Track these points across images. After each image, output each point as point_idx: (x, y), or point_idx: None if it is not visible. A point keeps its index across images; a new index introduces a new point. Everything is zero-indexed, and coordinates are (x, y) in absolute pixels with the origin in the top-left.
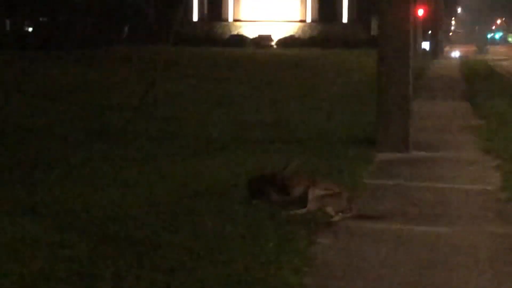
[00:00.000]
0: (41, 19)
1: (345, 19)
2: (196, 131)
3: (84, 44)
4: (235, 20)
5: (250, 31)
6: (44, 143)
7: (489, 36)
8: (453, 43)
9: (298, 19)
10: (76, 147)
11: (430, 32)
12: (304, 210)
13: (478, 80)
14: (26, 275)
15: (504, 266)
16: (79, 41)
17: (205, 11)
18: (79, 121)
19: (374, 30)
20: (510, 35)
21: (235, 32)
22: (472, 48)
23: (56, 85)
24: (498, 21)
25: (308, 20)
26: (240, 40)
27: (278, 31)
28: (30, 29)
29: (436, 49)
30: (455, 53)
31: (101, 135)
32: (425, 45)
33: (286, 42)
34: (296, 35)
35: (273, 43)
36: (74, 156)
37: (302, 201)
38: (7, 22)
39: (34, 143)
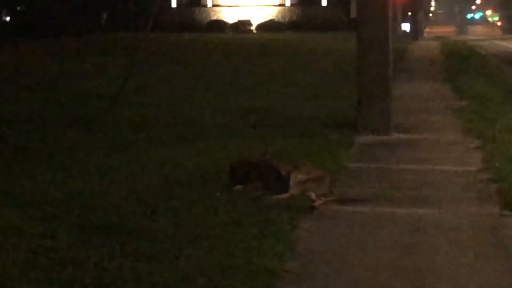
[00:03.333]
0: (18, 7)
1: (324, 2)
2: (177, 117)
3: (63, 32)
4: (214, 5)
5: (229, 16)
6: (23, 132)
7: (469, 16)
8: (433, 24)
9: (278, 3)
10: (56, 136)
11: (409, 13)
12: (286, 195)
13: (458, 61)
14: (8, 266)
15: (486, 247)
16: (57, 29)
17: None
18: (59, 110)
19: (353, 12)
20: (490, 15)
21: (214, 17)
22: (452, 29)
23: (35, 73)
24: (478, 1)
25: (288, 4)
26: (220, 25)
27: (258, 15)
28: (8, 18)
29: (416, 30)
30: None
31: (81, 124)
32: (405, 26)
33: (266, 26)
34: (276, 19)
35: (252, 28)
36: (54, 145)
37: (284, 186)
38: None
39: (12, 132)
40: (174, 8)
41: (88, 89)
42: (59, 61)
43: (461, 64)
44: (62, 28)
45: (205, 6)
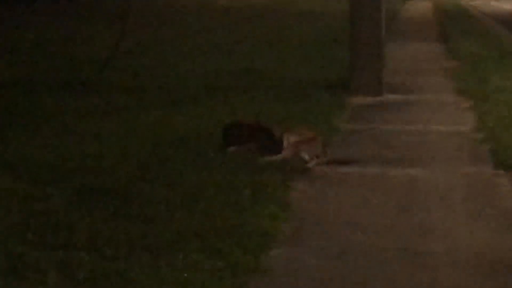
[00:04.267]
0: None
1: None
2: (168, 82)
3: None
4: None
5: None
6: (13, 96)
7: None
8: None
9: None
10: (46, 100)
11: None
12: (279, 157)
13: (451, 21)
14: (0, 229)
15: (478, 205)
16: None
17: None
18: (48, 74)
19: None
20: None
21: None
22: None
23: (24, 38)
24: None
25: None
26: None
27: None
28: None
29: None
30: None
31: (72, 88)
32: None
33: None
34: None
35: None
36: (45, 109)
37: (277, 147)
38: None
39: (4, 96)
40: None
41: (80, 53)
42: (48, 25)
43: (454, 25)
44: None
45: None
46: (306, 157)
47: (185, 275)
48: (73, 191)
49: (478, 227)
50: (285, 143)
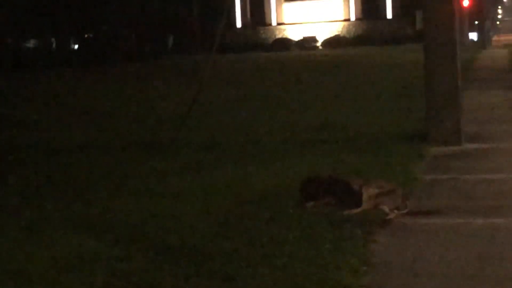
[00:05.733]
0: (86, 35)
1: (389, 15)
2: (246, 137)
3: (130, 58)
4: (278, 24)
5: (294, 34)
6: (96, 158)
7: None
8: (501, 32)
9: (342, 18)
10: (127, 161)
11: (476, 22)
12: (359, 210)
13: None
14: None
15: None
16: (124, 55)
17: (248, 17)
18: (129, 135)
19: (419, 24)
20: None
21: (279, 36)
22: None
23: (102, 100)
24: None
25: (352, 18)
26: (285, 43)
27: (323, 31)
28: (76, 46)
29: (484, 39)
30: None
31: (150, 148)
32: (473, 35)
33: (331, 42)
34: (341, 35)
35: (318, 44)
36: (124, 170)
37: (356, 200)
38: (53, 40)
39: (86, 159)
40: (239, 28)
41: (156, 113)
42: (127, 87)
43: None
44: (130, 54)
45: (270, 24)
46: (386, 209)
47: None
48: (154, 250)
49: None
50: (364, 196)
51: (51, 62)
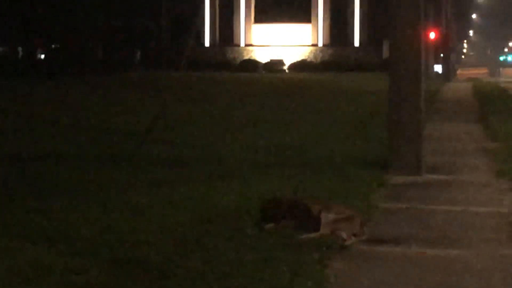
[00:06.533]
0: (53, 46)
1: (357, 43)
2: (207, 155)
3: (96, 70)
4: (246, 45)
5: (262, 56)
6: (55, 169)
7: (501, 58)
8: (465, 65)
9: (310, 43)
10: (87, 173)
11: (442, 55)
12: (316, 234)
13: (490, 102)
14: None
15: None
16: (90, 67)
17: (217, 36)
18: (90, 147)
19: (386, 53)
20: None
21: (247, 57)
22: (484, 71)
23: (67, 111)
24: (511, 44)
25: (320, 44)
26: (252, 64)
27: (290, 55)
28: (42, 56)
29: (448, 72)
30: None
31: (111, 161)
32: (438, 68)
33: (298, 66)
34: (308, 59)
35: (285, 67)
36: (85, 182)
37: (315, 225)
38: (20, 50)
39: (44, 170)
40: (207, 47)
41: (119, 127)
42: (91, 98)
43: (493, 105)
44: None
45: (238, 45)
46: (344, 235)
47: None
48: (110, 263)
49: None
50: (323, 221)
51: (17, 71)
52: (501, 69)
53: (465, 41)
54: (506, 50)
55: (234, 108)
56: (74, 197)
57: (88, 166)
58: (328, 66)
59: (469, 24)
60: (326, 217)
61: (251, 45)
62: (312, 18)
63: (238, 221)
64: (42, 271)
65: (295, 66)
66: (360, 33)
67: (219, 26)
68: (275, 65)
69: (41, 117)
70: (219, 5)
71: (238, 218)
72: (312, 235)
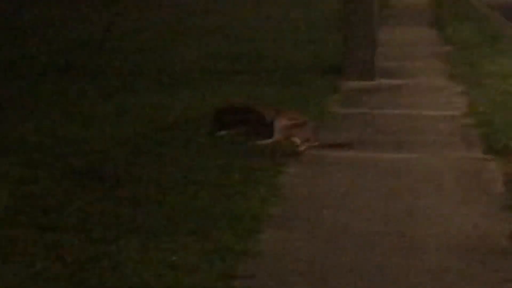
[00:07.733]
0: None
1: None
2: (162, 64)
3: None
4: None
5: None
6: (6, 79)
7: None
8: None
9: None
10: (39, 83)
11: None
12: (270, 140)
13: (446, 7)
14: None
15: (469, 191)
16: None
17: None
18: (42, 57)
19: None
20: None
21: None
22: None
23: (17, 20)
24: None
25: None
26: None
27: None
28: None
29: None
30: None
31: (64, 71)
32: None
33: None
34: None
35: None
36: (37, 92)
37: (269, 131)
38: None
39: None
40: None
41: (71, 37)
42: (42, 7)
43: (448, 10)
44: None
45: None
46: (297, 141)
47: (174, 258)
48: (64, 173)
49: (468, 212)
50: (276, 127)
51: None
52: None
53: None
54: None
55: (189, 16)
56: (26, 106)
57: (40, 76)
58: None
59: None
60: (280, 123)
61: None
62: None
63: (192, 129)
64: None
65: None
66: None
67: None
68: None
69: None
70: None
71: (192, 126)
72: (266, 141)
